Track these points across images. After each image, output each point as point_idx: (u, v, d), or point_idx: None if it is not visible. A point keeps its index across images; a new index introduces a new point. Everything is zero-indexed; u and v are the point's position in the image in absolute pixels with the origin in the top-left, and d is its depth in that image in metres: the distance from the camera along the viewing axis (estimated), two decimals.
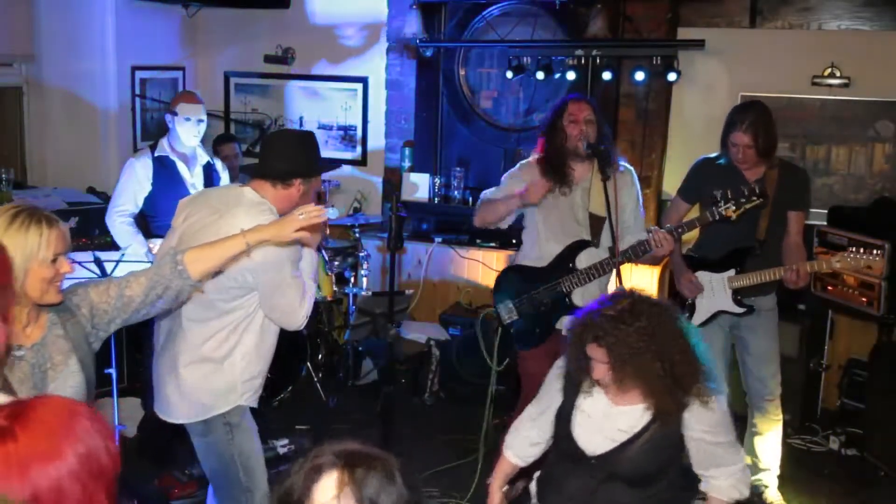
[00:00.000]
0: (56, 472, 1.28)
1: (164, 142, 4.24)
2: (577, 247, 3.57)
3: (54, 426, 1.31)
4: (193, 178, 4.25)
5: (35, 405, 1.33)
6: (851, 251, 3.57)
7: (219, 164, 4.44)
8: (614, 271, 3.44)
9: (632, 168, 3.78)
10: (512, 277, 3.72)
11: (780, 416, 3.89)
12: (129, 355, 4.32)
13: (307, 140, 2.95)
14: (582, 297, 3.58)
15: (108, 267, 3.71)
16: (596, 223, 3.59)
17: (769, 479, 3.99)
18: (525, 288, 3.62)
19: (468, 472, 4.04)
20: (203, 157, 4.34)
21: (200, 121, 4.19)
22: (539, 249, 3.62)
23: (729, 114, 3.72)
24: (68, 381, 2.27)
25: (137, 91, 5.86)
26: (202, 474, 3.98)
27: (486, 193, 3.79)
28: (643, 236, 3.52)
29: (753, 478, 3.96)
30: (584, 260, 3.56)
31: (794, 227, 3.75)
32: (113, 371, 3.68)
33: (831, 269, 3.67)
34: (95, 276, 3.68)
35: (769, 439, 3.91)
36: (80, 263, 3.63)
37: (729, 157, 3.69)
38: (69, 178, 5.50)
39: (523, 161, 3.81)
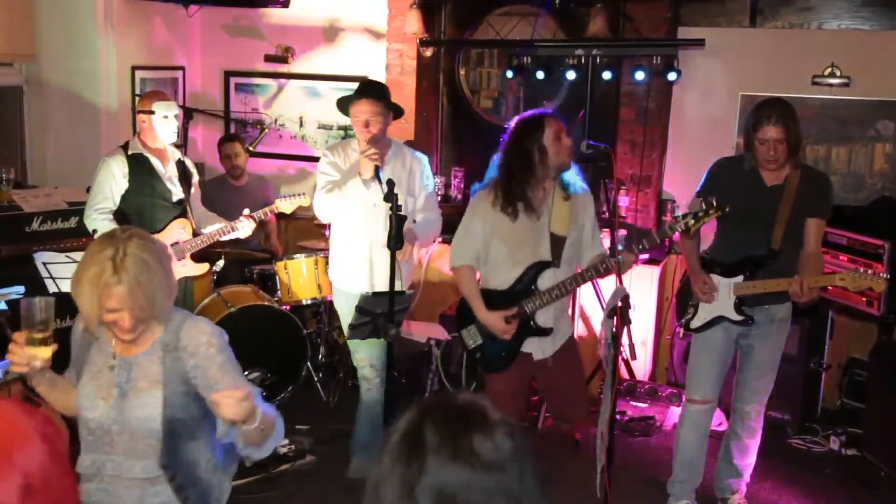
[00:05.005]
0: (36, 451, 1.37)
1: (135, 141, 4.23)
2: (539, 267, 3.52)
3: (15, 416, 1.41)
4: (169, 172, 4.26)
5: None
6: (859, 269, 3.49)
7: (188, 162, 4.46)
8: (614, 272, 3.42)
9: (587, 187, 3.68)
10: None
11: (761, 424, 3.82)
12: None
13: None
14: (545, 318, 3.57)
15: None
16: (557, 243, 3.53)
17: (738, 485, 3.93)
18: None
19: None
20: (175, 154, 4.36)
21: (176, 117, 4.26)
22: (501, 273, 3.56)
23: (751, 112, 3.54)
24: (138, 410, 2.22)
25: (137, 91, 5.86)
26: None
27: (461, 255, 3.61)
28: (601, 251, 3.58)
29: (724, 482, 3.94)
30: (546, 281, 3.52)
31: (811, 236, 3.56)
32: None
33: (834, 285, 3.56)
34: None
35: (746, 446, 3.84)
36: None
37: (755, 158, 3.52)
38: (69, 178, 5.49)
39: (476, 200, 3.59)
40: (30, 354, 2.15)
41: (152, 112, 4.14)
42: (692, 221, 3.31)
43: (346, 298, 3.99)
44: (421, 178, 4.04)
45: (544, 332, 3.56)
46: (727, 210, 3.30)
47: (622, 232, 5.24)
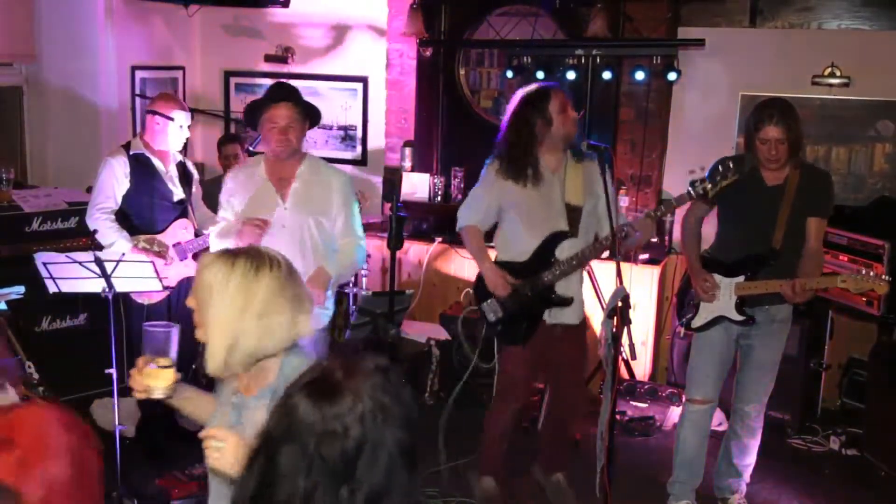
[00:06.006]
0: (58, 468, 1.40)
1: (136, 141, 4.26)
2: (556, 238, 3.55)
3: (45, 429, 1.43)
4: (170, 172, 4.28)
5: (21, 414, 1.47)
6: (861, 271, 3.49)
7: (189, 163, 4.48)
8: (615, 271, 3.42)
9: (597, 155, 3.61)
10: None
11: (761, 424, 3.82)
12: (129, 355, 4.31)
13: None
14: (565, 288, 3.59)
15: (109, 267, 3.70)
16: (573, 213, 3.56)
17: (738, 485, 3.92)
18: None
19: (468, 472, 4.03)
20: (176, 155, 4.38)
21: (189, 127, 4.32)
22: (519, 244, 3.59)
23: (752, 113, 3.54)
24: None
25: (137, 91, 5.86)
26: (203, 474, 3.99)
27: (466, 217, 3.67)
28: (621, 221, 3.54)
29: (724, 482, 3.94)
30: (564, 250, 3.55)
31: (812, 234, 3.57)
32: (113, 371, 3.68)
33: (835, 286, 3.55)
34: (95, 275, 3.67)
35: (746, 445, 3.84)
36: (80, 263, 3.64)
37: (756, 158, 3.51)
38: (69, 178, 5.50)
39: (486, 171, 3.64)
40: (148, 384, 2.07)
41: (171, 119, 4.17)
42: (709, 185, 3.33)
43: None
44: (342, 198, 3.55)
45: (565, 301, 3.60)
46: (745, 171, 3.33)
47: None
